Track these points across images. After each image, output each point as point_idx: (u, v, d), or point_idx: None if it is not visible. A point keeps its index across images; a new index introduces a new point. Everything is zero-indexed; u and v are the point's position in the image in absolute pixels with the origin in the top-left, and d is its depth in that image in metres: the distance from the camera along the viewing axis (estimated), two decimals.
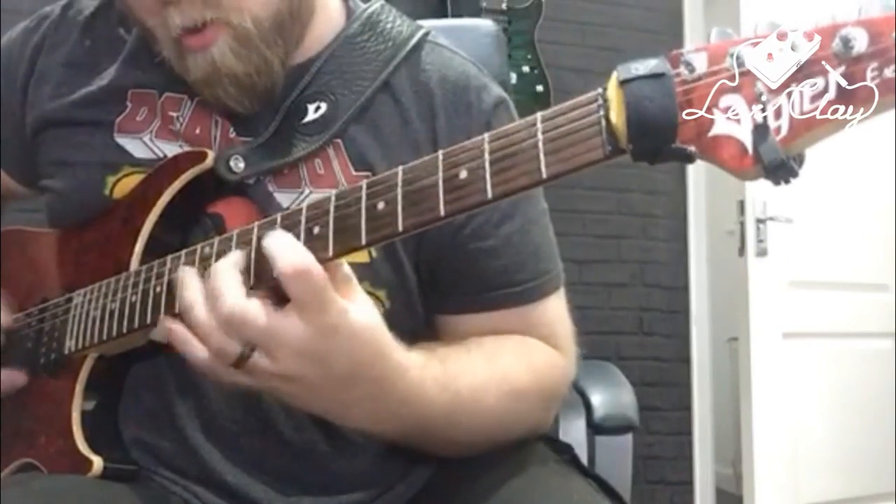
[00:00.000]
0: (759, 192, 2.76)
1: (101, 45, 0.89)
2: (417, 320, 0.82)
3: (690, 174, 3.13)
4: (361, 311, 0.64)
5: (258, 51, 0.77)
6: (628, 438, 1.16)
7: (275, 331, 0.62)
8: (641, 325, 3.07)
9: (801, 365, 2.84)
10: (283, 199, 0.80)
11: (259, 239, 0.65)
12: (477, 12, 2.73)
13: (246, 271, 0.66)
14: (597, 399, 1.15)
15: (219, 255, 0.69)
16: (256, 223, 0.68)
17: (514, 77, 2.72)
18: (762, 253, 2.78)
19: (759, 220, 2.77)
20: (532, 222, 0.85)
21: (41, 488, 0.74)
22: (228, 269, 0.64)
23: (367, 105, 0.83)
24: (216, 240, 0.71)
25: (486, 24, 1.35)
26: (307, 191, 0.80)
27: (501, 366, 0.79)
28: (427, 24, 0.94)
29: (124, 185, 0.84)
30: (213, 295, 0.63)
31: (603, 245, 3.02)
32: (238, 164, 0.79)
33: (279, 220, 0.66)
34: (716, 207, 3.21)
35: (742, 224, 2.79)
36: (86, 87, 0.87)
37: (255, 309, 0.62)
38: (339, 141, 0.82)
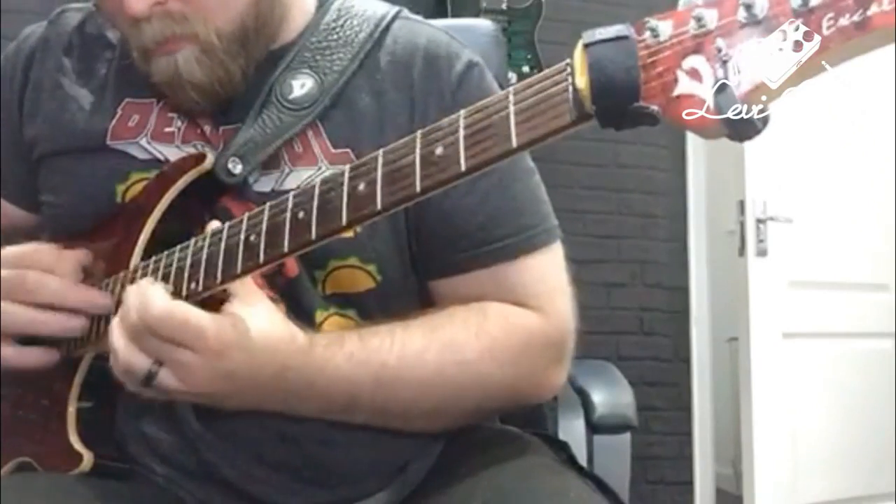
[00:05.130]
0: (760, 192, 2.76)
1: (91, 55, 0.91)
2: (411, 290, 0.83)
3: (690, 174, 3.14)
4: (256, 314, 0.71)
5: (221, 63, 0.80)
6: (627, 438, 1.16)
7: (179, 360, 0.68)
8: (641, 325, 3.07)
9: (801, 365, 2.83)
10: (266, 180, 0.83)
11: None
12: (477, 12, 2.73)
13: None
14: (596, 398, 1.16)
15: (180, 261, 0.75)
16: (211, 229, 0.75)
17: (514, 77, 2.72)
18: (762, 253, 2.78)
19: (759, 220, 2.77)
20: (514, 178, 0.86)
21: (37, 489, 0.74)
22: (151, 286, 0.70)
23: (345, 85, 0.85)
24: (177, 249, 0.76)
25: (485, 24, 1.35)
26: (287, 169, 0.83)
27: (444, 334, 0.80)
28: None
29: (134, 191, 0.85)
30: (140, 305, 0.68)
31: (603, 245, 3.02)
32: (236, 167, 0.81)
33: (267, 208, 0.70)
34: (716, 207, 3.21)
35: (742, 224, 2.78)
36: (80, 96, 0.88)
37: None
38: (316, 121, 0.84)
